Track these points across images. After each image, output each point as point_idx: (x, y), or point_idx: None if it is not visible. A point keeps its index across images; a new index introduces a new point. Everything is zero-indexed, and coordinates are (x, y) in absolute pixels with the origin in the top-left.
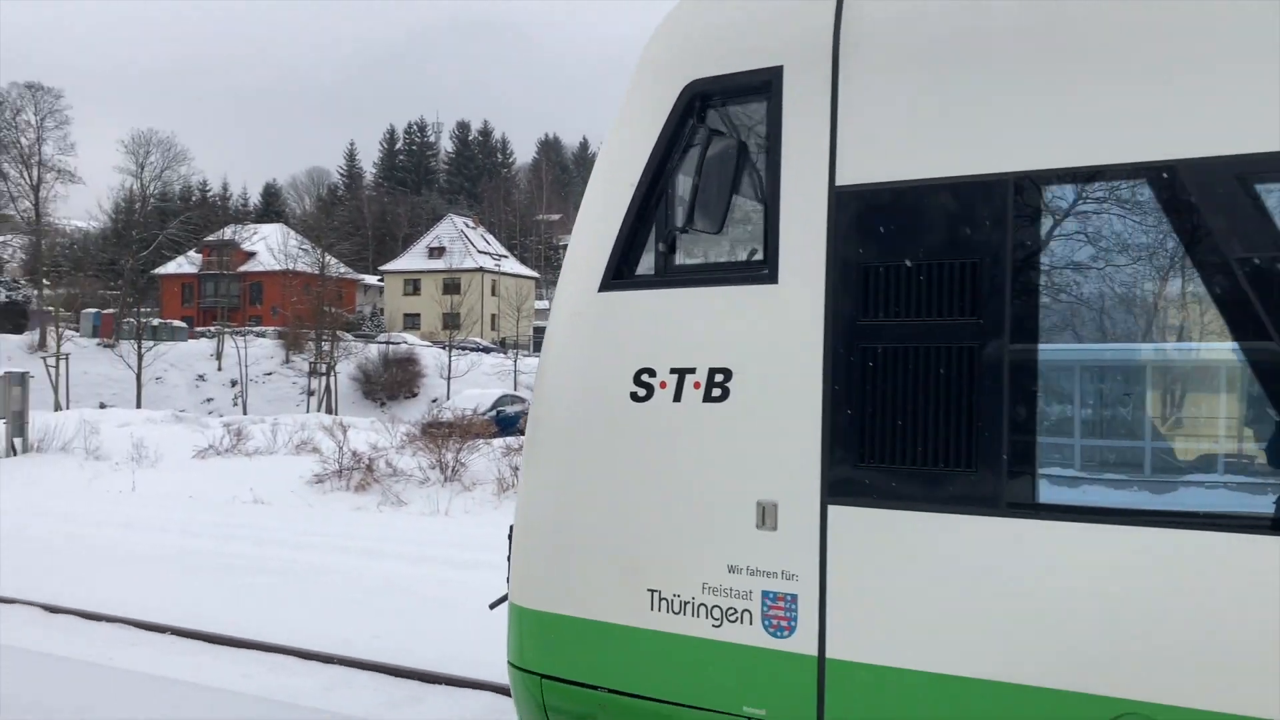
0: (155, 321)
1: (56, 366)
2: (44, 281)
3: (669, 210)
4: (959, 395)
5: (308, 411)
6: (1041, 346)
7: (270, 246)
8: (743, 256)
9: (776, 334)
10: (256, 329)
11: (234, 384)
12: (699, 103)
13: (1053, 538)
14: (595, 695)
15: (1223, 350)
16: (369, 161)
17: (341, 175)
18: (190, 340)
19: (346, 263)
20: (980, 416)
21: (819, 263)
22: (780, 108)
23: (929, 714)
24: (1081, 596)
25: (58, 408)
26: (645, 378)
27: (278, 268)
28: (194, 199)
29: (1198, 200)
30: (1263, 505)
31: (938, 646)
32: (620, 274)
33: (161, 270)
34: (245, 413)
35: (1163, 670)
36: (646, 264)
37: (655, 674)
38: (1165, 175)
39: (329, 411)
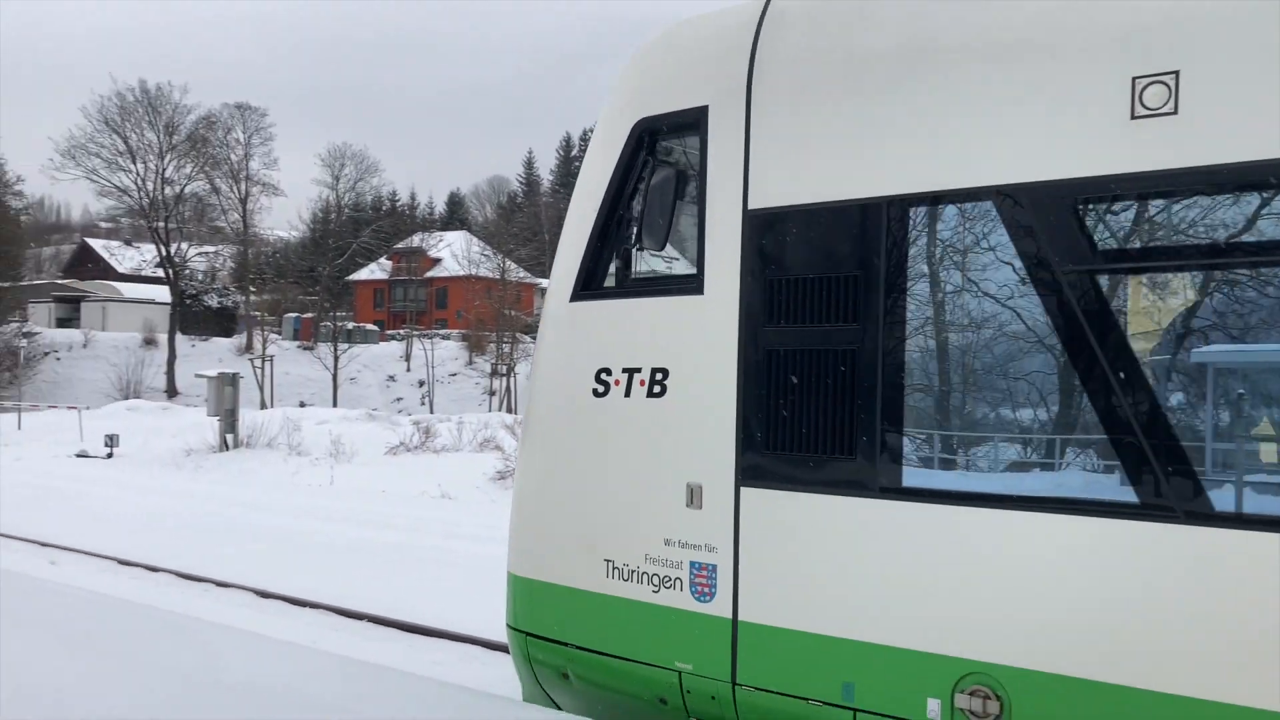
0: (349, 325)
1: (262, 368)
2: (250, 289)
3: (624, 230)
4: (840, 392)
5: (490, 411)
6: (909, 349)
7: (454, 253)
8: (681, 271)
9: (702, 339)
10: (442, 332)
11: (421, 384)
12: (646, 138)
13: (915, 518)
14: (565, 650)
15: (1057, 349)
16: (546, 169)
17: (520, 183)
18: (381, 343)
19: (525, 267)
20: (857, 411)
21: (734, 276)
22: (706, 141)
23: (818, 671)
24: (938, 570)
25: (263, 406)
26: (603, 376)
27: (461, 273)
28: (384, 208)
29: (1030, 218)
30: (1094, 491)
31: (823, 611)
32: (587, 285)
33: (355, 277)
34: (432, 411)
35: (1004, 636)
36: (608, 278)
37: (609, 632)
38: (1005, 197)
39: (509, 411)
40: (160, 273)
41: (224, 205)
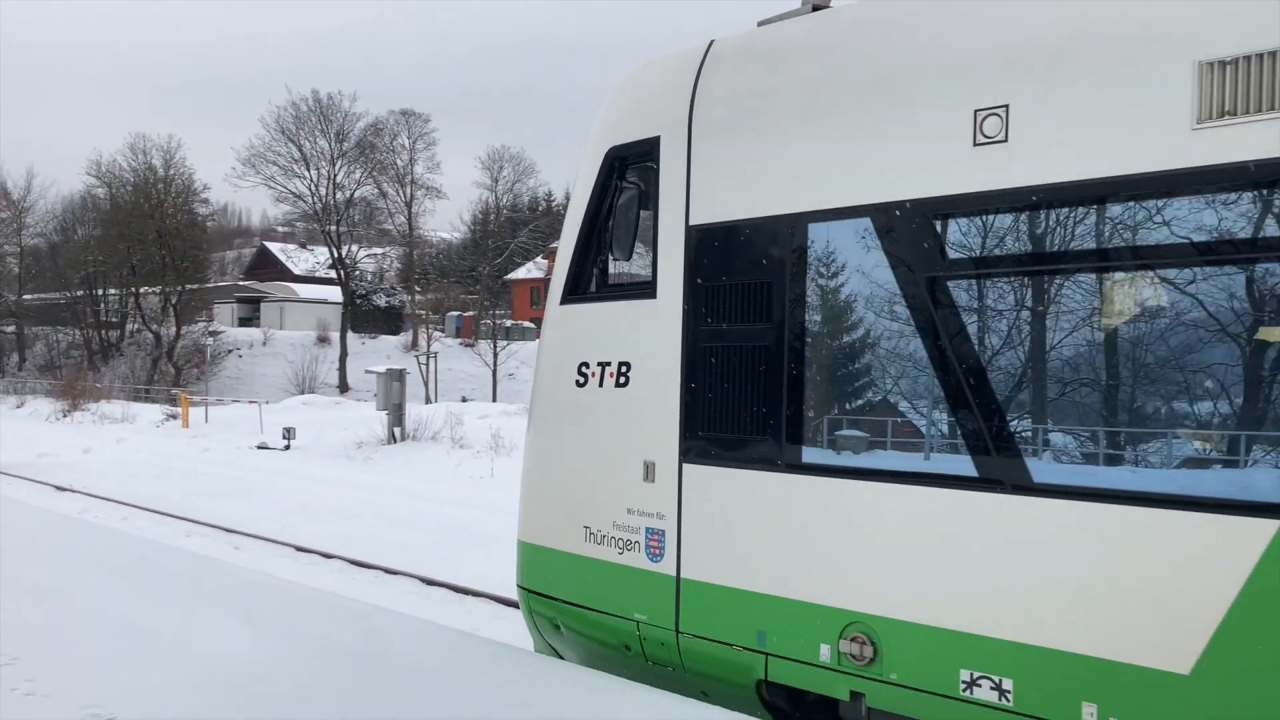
0: (508, 323)
1: (426, 364)
2: (415, 288)
3: (601, 242)
4: (754, 382)
5: None
6: (808, 346)
7: None
8: (642, 278)
9: (655, 336)
10: None
11: None
12: (616, 164)
13: (809, 489)
14: (556, 605)
15: (919, 345)
16: None
17: None
18: (537, 340)
19: None
20: (767, 399)
21: (679, 282)
22: (659, 166)
23: (740, 620)
24: (827, 534)
25: (428, 401)
26: (584, 368)
27: None
28: (540, 209)
29: (898, 230)
30: (944, 467)
31: (742, 569)
32: (573, 291)
33: (513, 275)
34: None
35: (877, 591)
36: (590, 284)
37: (586, 589)
38: (879, 212)
39: None
40: (332, 274)
41: (390, 209)
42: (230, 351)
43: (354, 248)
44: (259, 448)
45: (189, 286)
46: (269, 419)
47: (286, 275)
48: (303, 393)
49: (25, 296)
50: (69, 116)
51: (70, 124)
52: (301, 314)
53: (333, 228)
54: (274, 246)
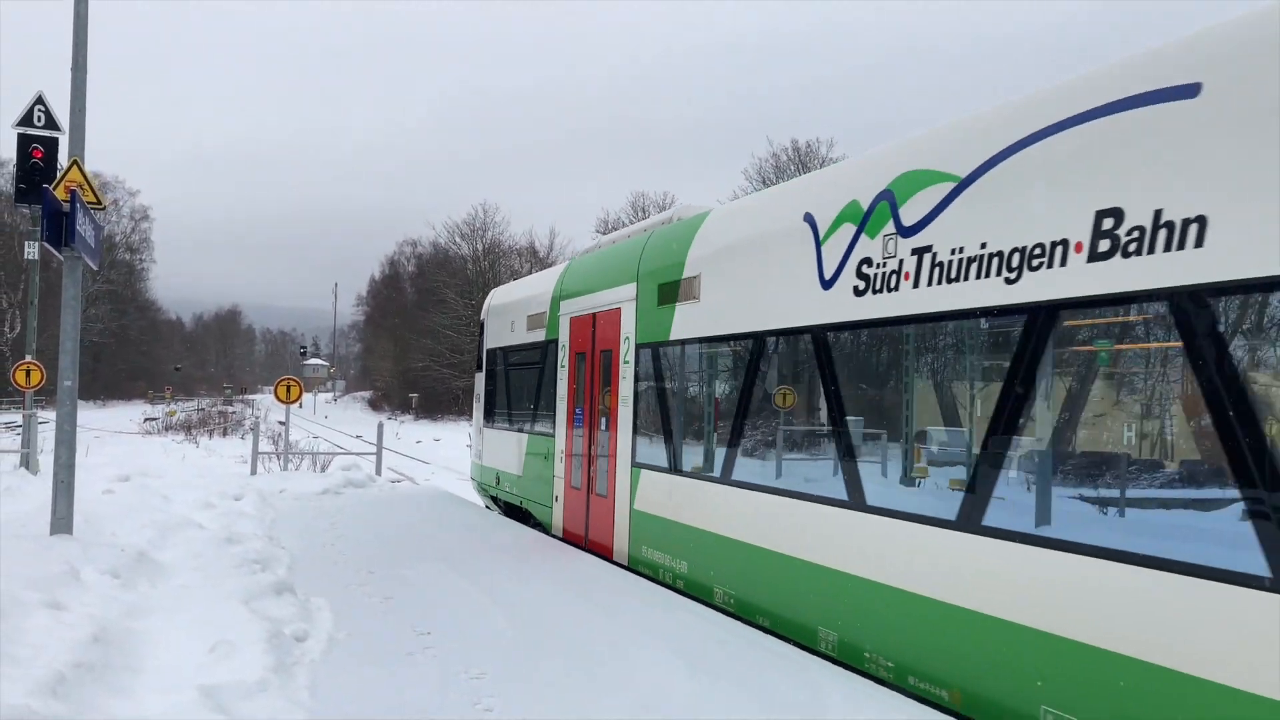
0: None
1: None
2: None
3: (498, 394)
4: (490, 399)
5: None
6: (501, 388)
7: None
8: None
9: (482, 387)
10: None
11: None
12: (487, 353)
13: (497, 432)
14: (478, 484)
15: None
16: None
17: None
18: None
19: None
20: (493, 405)
21: (484, 369)
22: (481, 331)
23: (489, 478)
24: (498, 447)
25: None
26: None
27: None
28: None
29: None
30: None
31: (495, 461)
32: (486, 417)
33: None
34: None
35: (506, 464)
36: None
37: (479, 479)
38: (507, 351)
39: None
40: None
41: None
42: None
43: None
44: None
45: None
46: None
47: None
48: None
49: None
50: (578, 181)
51: (577, 188)
52: None
53: None
54: None
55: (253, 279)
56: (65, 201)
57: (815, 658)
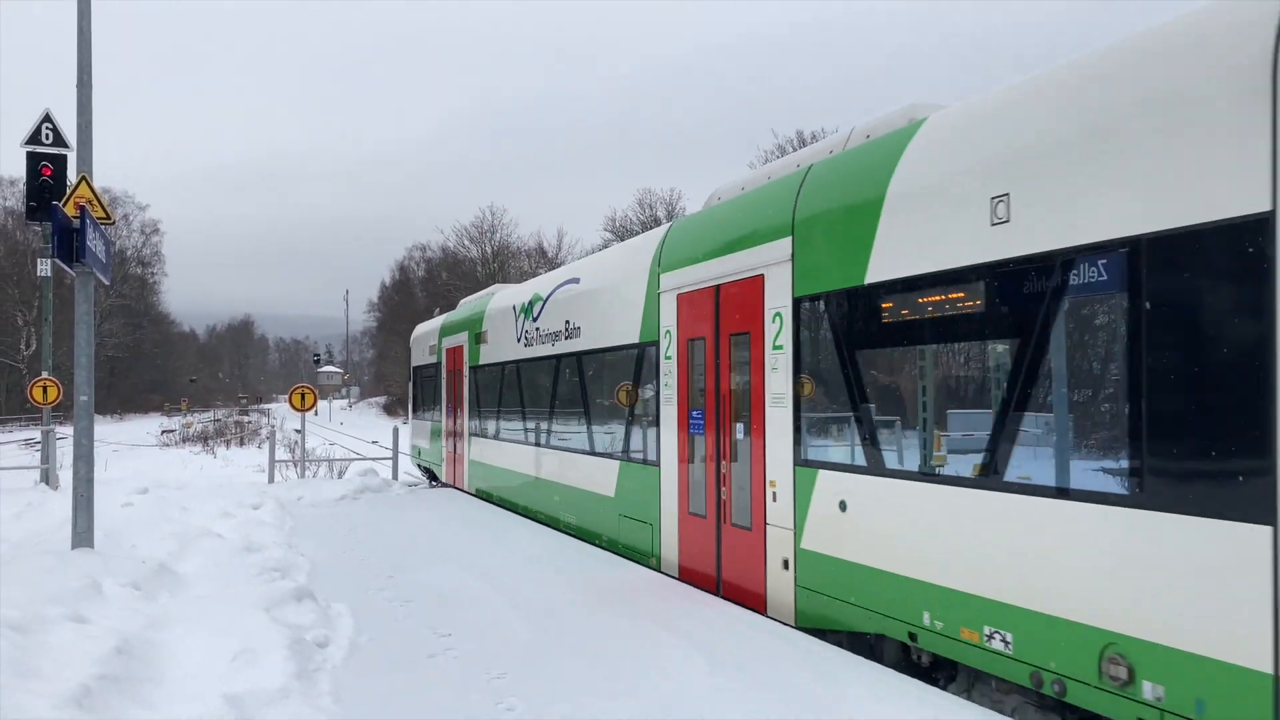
0: None
1: None
2: None
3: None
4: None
5: None
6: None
7: None
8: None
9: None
10: None
11: None
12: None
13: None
14: (417, 458)
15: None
16: None
17: None
18: None
19: None
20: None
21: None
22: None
23: (428, 456)
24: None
25: None
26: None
27: None
28: None
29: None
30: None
31: (423, 448)
32: (413, 410)
33: None
34: None
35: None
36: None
37: (420, 456)
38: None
39: None
40: None
41: None
42: None
43: None
44: None
45: None
46: None
47: None
48: None
49: None
50: (588, 181)
51: (589, 188)
52: None
53: None
54: None
55: (264, 289)
56: (75, 218)
57: (833, 648)
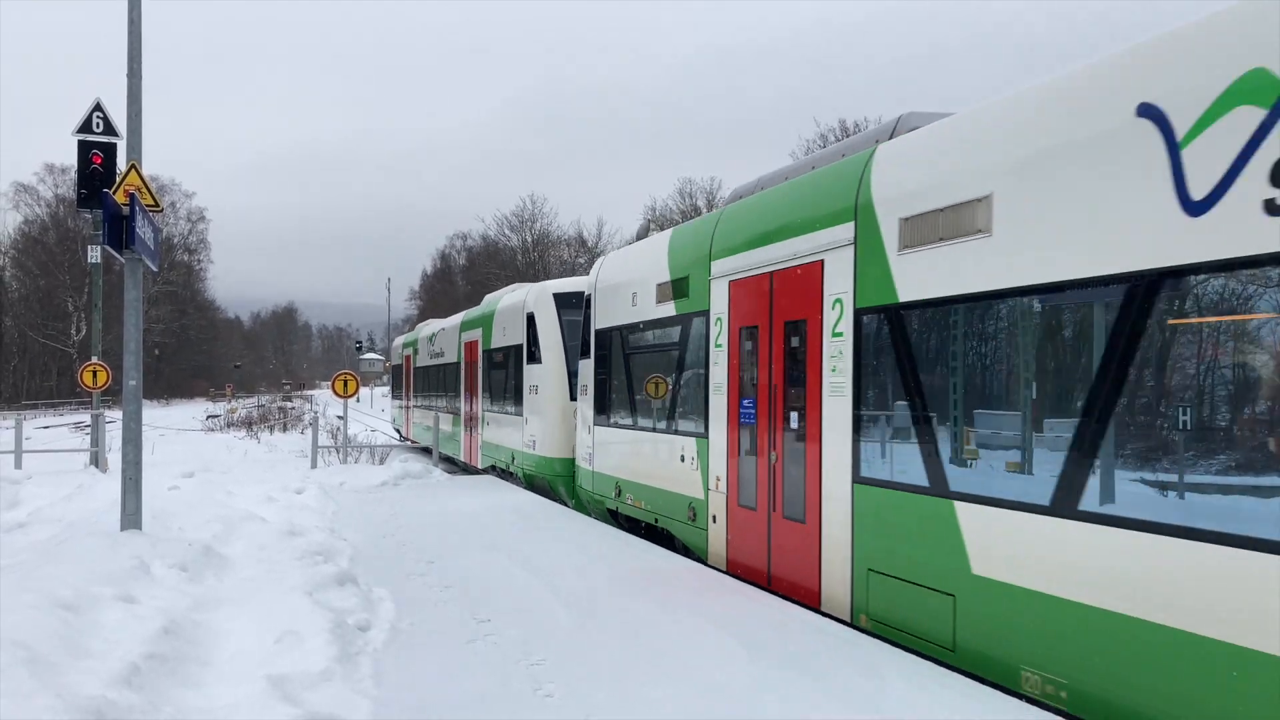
0: None
1: None
2: None
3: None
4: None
5: None
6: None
7: None
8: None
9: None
10: None
11: None
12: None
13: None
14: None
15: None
16: None
17: None
18: None
19: None
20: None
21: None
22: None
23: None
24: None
25: None
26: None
27: None
28: None
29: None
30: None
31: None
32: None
33: None
34: None
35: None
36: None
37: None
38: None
39: None
40: None
41: None
42: None
43: None
44: None
45: None
46: None
47: None
48: None
49: None
50: (628, 169)
51: (628, 175)
52: None
53: None
54: None
55: (308, 276)
56: (124, 205)
57: (865, 636)
